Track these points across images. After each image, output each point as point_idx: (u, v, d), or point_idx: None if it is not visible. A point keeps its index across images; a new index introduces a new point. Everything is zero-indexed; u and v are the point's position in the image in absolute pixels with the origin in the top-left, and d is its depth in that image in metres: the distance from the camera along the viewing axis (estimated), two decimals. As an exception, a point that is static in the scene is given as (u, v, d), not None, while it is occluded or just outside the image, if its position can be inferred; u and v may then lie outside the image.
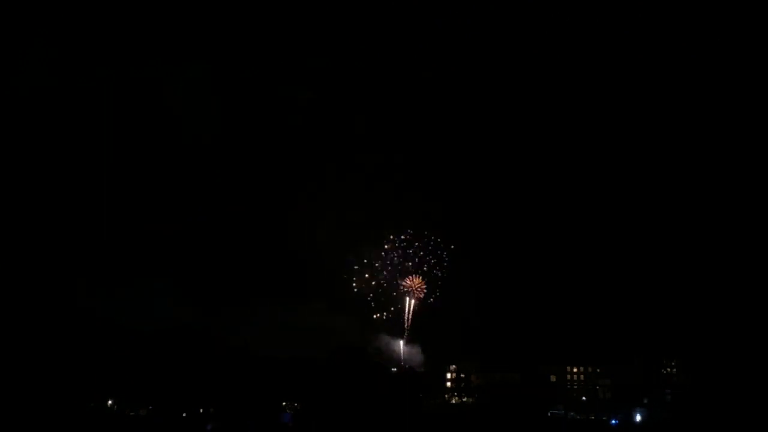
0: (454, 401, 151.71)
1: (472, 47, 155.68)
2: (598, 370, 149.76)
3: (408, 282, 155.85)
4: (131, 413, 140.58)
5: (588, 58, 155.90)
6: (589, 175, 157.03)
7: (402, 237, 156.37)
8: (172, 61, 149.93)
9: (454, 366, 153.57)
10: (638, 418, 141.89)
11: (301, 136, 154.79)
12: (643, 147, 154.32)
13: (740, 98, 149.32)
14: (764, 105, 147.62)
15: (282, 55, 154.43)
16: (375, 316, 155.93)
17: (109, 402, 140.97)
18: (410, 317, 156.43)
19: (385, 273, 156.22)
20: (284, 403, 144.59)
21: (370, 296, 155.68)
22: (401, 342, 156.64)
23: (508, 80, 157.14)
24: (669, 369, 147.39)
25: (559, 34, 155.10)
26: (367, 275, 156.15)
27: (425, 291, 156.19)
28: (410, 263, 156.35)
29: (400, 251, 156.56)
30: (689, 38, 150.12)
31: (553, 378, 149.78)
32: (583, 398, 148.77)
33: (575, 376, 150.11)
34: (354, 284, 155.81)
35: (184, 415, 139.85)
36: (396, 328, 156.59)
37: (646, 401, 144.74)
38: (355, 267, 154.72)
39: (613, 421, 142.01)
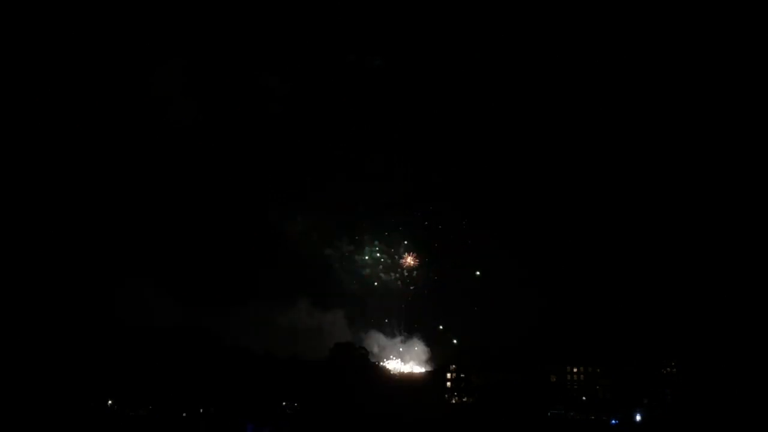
0: (454, 401, 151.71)
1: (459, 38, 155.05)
2: (598, 370, 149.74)
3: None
4: (131, 413, 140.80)
5: (588, 56, 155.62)
6: (589, 175, 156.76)
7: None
8: (149, 54, 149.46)
9: (454, 366, 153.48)
10: (638, 418, 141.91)
11: (280, 128, 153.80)
12: (642, 146, 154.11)
13: (740, 98, 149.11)
14: (764, 105, 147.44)
15: (261, 44, 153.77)
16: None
17: (109, 402, 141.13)
18: (407, 316, 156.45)
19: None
20: (284, 403, 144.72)
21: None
22: (397, 341, 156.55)
23: (499, 77, 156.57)
24: (669, 369, 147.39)
25: (559, 33, 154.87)
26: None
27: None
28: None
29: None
30: (689, 38, 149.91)
31: (553, 378, 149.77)
32: (583, 398, 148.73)
33: (575, 376, 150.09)
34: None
35: (184, 415, 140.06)
36: (391, 327, 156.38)
37: (646, 401, 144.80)
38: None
39: (613, 421, 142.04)
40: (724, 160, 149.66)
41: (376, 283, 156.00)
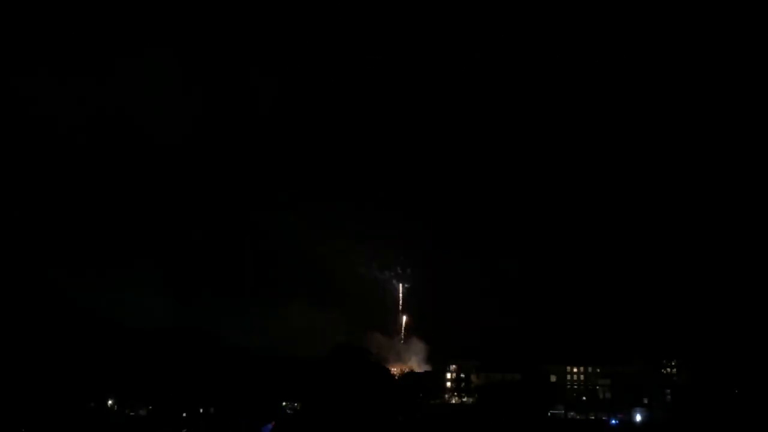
0: (454, 401, 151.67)
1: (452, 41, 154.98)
2: (598, 370, 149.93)
3: None
4: (131, 413, 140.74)
5: (588, 57, 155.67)
6: (590, 175, 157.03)
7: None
8: (141, 54, 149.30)
9: (454, 366, 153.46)
10: (638, 418, 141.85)
11: (278, 129, 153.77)
12: (643, 147, 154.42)
13: (740, 98, 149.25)
14: (764, 105, 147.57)
15: (251, 44, 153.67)
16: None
17: (109, 402, 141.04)
18: (406, 315, 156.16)
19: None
20: (284, 403, 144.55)
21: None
22: (397, 341, 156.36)
23: (489, 78, 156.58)
24: (669, 369, 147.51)
25: (559, 33, 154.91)
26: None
27: None
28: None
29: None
30: (689, 38, 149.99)
31: (553, 378, 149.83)
32: (583, 398, 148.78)
33: (575, 376, 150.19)
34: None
35: (184, 415, 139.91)
36: (389, 327, 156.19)
37: (646, 401, 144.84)
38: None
39: (613, 421, 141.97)
40: (724, 161, 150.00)
41: (374, 283, 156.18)
